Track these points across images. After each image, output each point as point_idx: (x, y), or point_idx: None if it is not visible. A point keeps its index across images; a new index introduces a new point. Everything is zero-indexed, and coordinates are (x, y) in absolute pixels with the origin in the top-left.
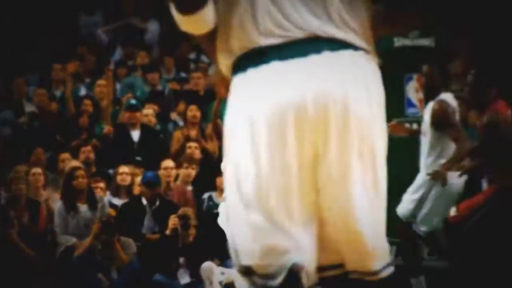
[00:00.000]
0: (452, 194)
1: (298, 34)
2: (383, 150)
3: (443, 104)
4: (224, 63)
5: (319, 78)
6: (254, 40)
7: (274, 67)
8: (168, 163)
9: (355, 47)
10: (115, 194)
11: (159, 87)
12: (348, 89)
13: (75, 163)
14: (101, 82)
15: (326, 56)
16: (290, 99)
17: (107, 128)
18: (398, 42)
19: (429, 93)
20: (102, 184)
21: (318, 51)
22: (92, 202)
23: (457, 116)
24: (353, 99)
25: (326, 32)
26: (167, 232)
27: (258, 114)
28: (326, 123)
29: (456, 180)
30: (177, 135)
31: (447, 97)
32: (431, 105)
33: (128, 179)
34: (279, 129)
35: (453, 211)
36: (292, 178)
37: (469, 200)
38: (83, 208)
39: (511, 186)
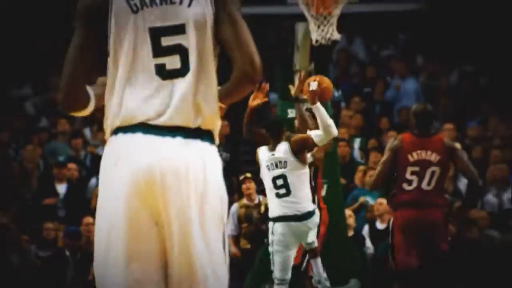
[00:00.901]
0: None
1: (167, 121)
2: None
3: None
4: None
5: (166, 154)
6: (134, 118)
7: (138, 137)
8: (89, 219)
9: (203, 139)
10: (41, 247)
11: (82, 152)
12: (189, 165)
13: (3, 219)
14: (28, 147)
15: (178, 141)
16: (141, 165)
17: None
18: (292, 114)
19: None
20: (26, 237)
21: (174, 136)
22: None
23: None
24: (192, 173)
25: (183, 124)
26: (89, 279)
27: (118, 173)
28: (168, 188)
29: None
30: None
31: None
32: None
33: (52, 233)
34: (135, 190)
35: None
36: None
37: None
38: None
39: None
